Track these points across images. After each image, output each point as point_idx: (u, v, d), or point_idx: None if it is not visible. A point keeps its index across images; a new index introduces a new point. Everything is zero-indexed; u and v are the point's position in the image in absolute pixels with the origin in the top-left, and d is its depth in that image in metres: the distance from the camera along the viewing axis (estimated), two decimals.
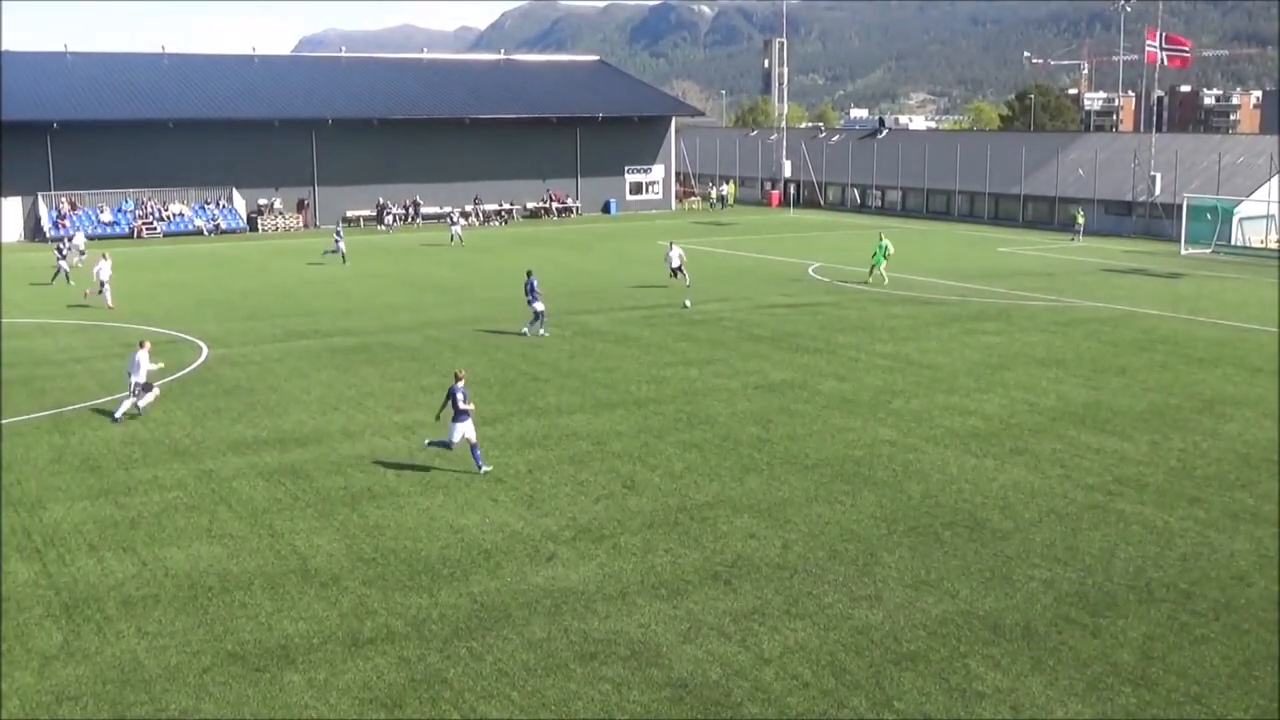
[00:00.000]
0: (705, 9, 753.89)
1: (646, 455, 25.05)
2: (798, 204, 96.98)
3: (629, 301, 46.14)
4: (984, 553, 19.42)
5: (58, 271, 52.58)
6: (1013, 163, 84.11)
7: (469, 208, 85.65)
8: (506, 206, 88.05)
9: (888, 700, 14.65)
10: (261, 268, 59.16)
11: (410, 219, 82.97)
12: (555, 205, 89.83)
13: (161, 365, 30.19)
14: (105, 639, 16.55)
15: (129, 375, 28.48)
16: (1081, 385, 31.21)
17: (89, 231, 74.47)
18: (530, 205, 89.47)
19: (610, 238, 74.66)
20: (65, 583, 18.54)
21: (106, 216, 76.35)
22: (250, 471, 24.26)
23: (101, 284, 46.17)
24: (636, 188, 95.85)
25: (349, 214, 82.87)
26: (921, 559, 19.18)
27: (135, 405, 28.49)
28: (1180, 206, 67.02)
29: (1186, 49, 76.54)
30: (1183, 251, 63.27)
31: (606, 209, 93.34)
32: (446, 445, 23.78)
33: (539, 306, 38.91)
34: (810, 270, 56.02)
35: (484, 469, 23.74)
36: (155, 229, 76.19)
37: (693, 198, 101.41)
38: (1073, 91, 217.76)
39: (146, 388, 28.53)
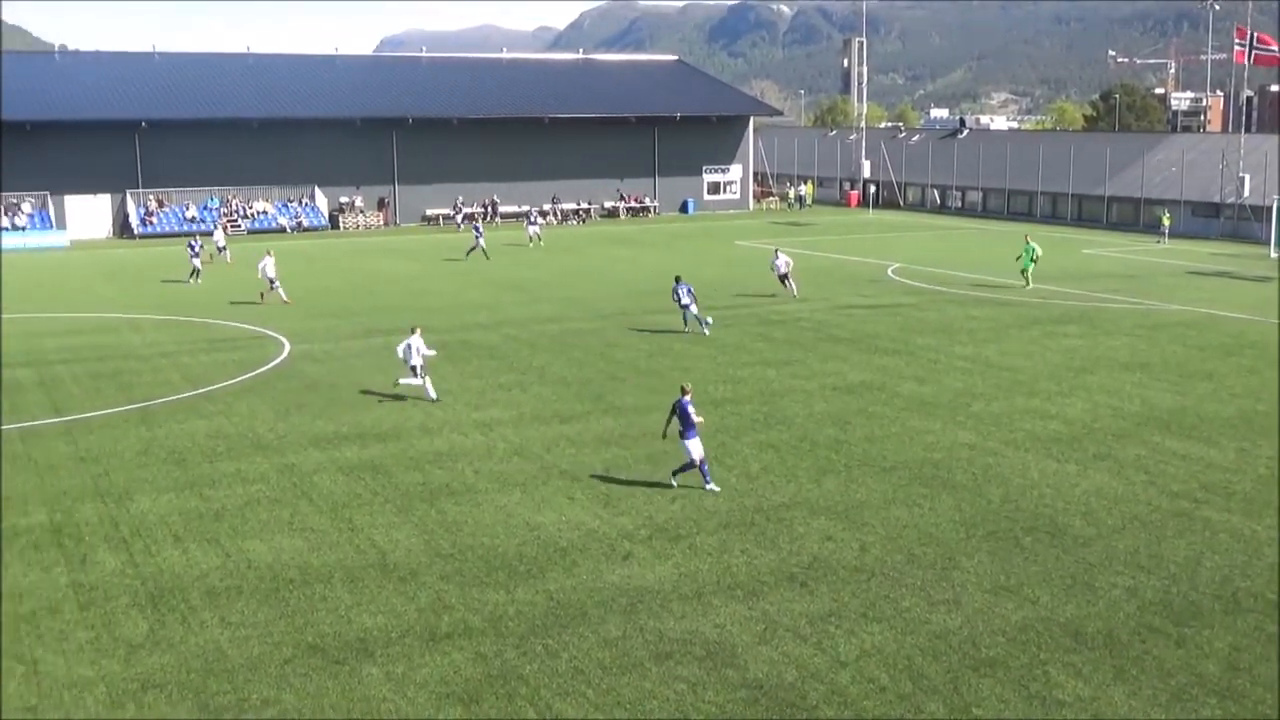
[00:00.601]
0: (784, 8, 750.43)
1: (723, 455, 25.00)
2: (876, 204, 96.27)
3: (706, 302, 46.02)
4: (1065, 559, 19.15)
5: (194, 271, 53.28)
6: (1097, 164, 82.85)
7: (547, 207, 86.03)
8: (584, 206, 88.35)
9: (965, 706, 14.49)
10: (342, 265, 59.87)
11: (489, 218, 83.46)
12: (626, 206, 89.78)
13: (434, 353, 31.24)
14: (189, 629, 16.83)
15: (405, 361, 29.85)
16: (1167, 390, 30.66)
17: (173, 228, 75.93)
18: (608, 205, 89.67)
19: (687, 237, 74.59)
20: (151, 573, 18.88)
21: (192, 213, 77.70)
22: (331, 466, 24.56)
23: (272, 281, 46.12)
24: (714, 187, 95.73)
25: (427, 212, 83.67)
26: (1001, 564, 18.96)
27: (416, 382, 29.86)
28: (1270, 209, 65.54)
29: (1276, 48, 74.82)
30: (1272, 254, 61.85)
31: (684, 209, 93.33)
32: (691, 465, 22.41)
33: (690, 307, 38.74)
34: (889, 271, 55.58)
35: (711, 487, 22.41)
36: (239, 226, 77.39)
37: (771, 198, 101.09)
38: (1159, 91, 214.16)
39: (415, 371, 29.90)
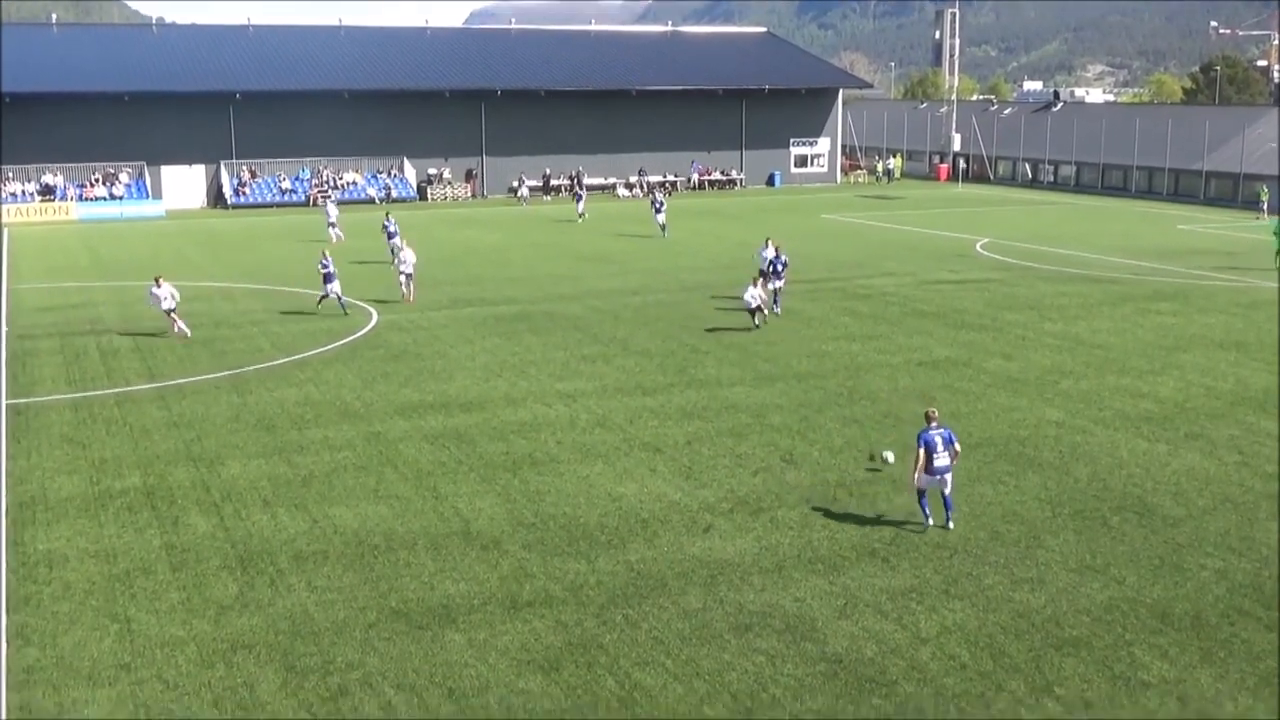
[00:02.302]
0: None
1: (806, 430, 24.91)
2: (966, 179, 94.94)
3: (793, 276, 45.78)
4: (1153, 539, 18.84)
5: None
6: (1195, 138, 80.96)
7: (633, 179, 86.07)
8: (671, 178, 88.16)
9: (1048, 685, 14.34)
10: (430, 235, 60.34)
11: (573, 189, 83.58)
12: (703, 179, 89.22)
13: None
14: (277, 591, 17.14)
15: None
16: (1262, 370, 29.96)
17: (268, 199, 77.03)
18: (696, 177, 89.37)
19: (774, 210, 74.17)
20: (241, 536, 19.25)
21: (285, 184, 78.80)
22: (416, 435, 24.82)
23: (407, 277, 40.86)
24: (801, 160, 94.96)
25: (515, 184, 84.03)
26: (1087, 543, 18.70)
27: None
28: None
29: None
30: None
31: (771, 182, 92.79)
32: (923, 505, 19.14)
33: (778, 284, 37.59)
34: (978, 246, 54.84)
35: (950, 524, 19.19)
36: (330, 196, 78.26)
37: (859, 171, 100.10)
38: (1262, 64, 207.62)
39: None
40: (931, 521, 19.05)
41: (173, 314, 34.49)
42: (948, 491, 19.06)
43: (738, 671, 14.74)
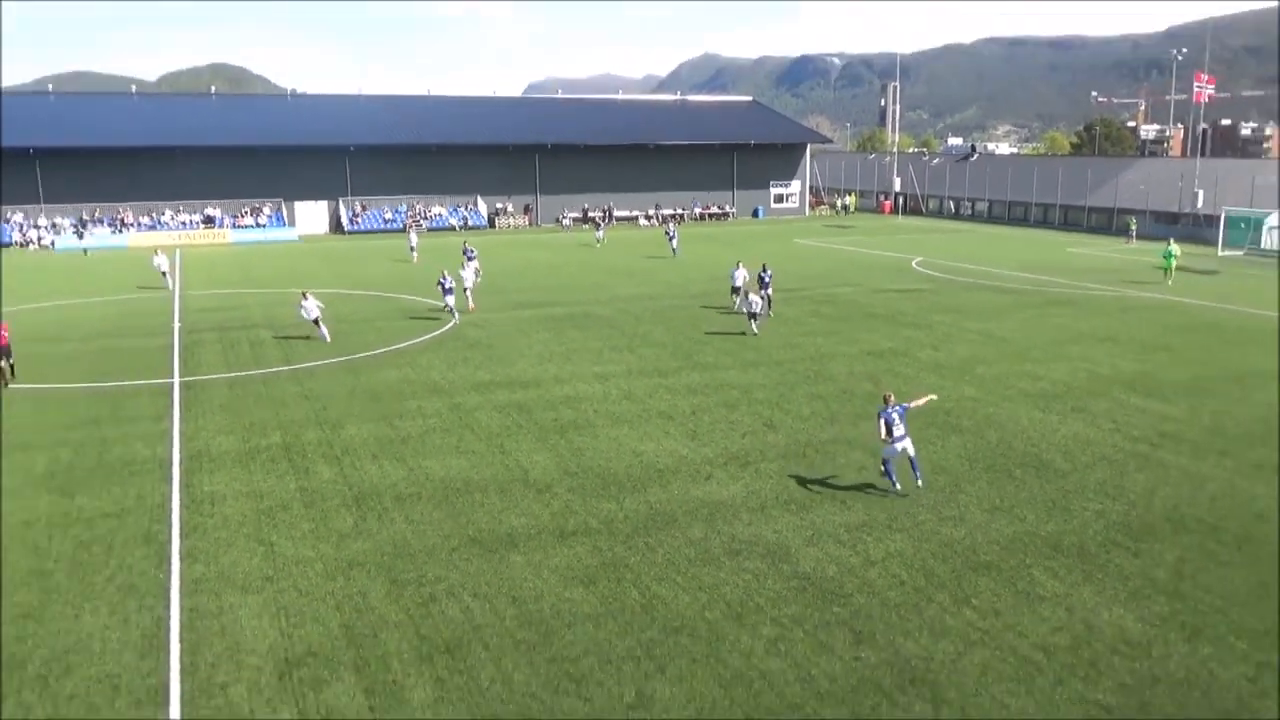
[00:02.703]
0: (835, 60, 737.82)
1: (782, 402, 24.87)
2: (905, 212, 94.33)
3: (773, 286, 45.65)
4: (1047, 488, 18.77)
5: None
6: (1080, 180, 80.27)
7: (650, 212, 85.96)
8: (680, 211, 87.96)
9: (966, 598, 14.33)
10: (497, 255, 60.40)
11: (607, 219, 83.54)
12: (703, 213, 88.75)
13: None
14: (383, 523, 17.23)
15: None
16: (1133, 359, 29.77)
17: (374, 227, 77.12)
18: (698, 211, 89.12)
19: (758, 237, 73.89)
20: (355, 481, 19.34)
21: (388, 215, 78.81)
22: (487, 405, 24.88)
23: (468, 291, 39.43)
24: (779, 198, 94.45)
25: (561, 216, 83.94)
26: (996, 490, 18.64)
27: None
28: (1219, 217, 63.10)
29: (1212, 85, 73.83)
30: (1220, 254, 59.57)
31: (755, 214, 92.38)
32: (888, 474, 18.31)
33: (769, 293, 36.66)
34: (914, 264, 54.55)
35: (919, 482, 18.37)
36: (421, 225, 78.37)
37: (822, 206, 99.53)
38: (1131, 124, 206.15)
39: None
40: (899, 487, 18.13)
41: (318, 323, 32.92)
42: (912, 454, 18.16)
43: (730, 586, 14.77)
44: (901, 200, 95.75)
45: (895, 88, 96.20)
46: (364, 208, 79.34)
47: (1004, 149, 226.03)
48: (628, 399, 25.31)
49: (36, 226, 70.28)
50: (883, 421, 17.98)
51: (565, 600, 14.34)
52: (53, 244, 68.06)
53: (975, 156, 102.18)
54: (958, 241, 67.94)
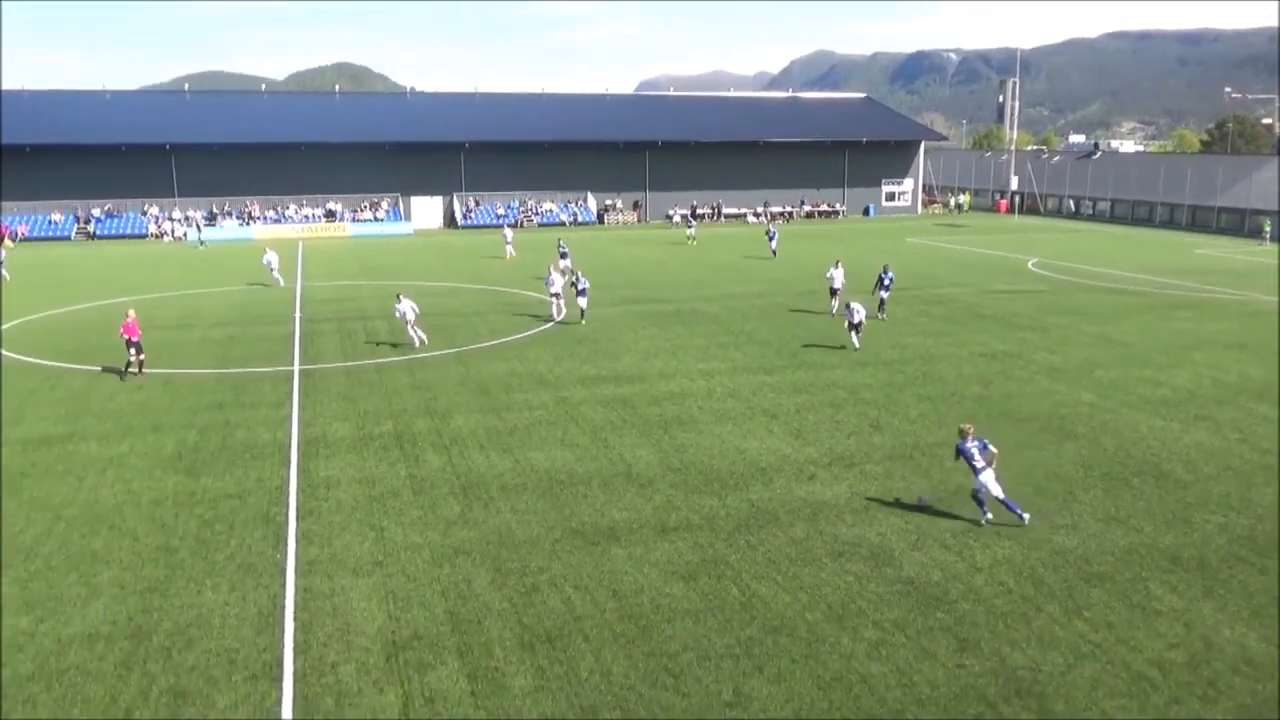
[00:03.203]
0: (952, 55, 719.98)
1: (889, 404, 24.43)
2: (1021, 211, 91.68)
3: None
4: (1167, 498, 18.01)
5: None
6: (1210, 180, 76.82)
7: (759, 209, 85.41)
8: (787, 209, 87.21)
9: (1078, 609, 13.85)
10: (605, 251, 60.78)
11: (715, 217, 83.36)
12: (812, 210, 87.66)
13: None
14: (489, 512, 17.50)
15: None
16: (1261, 367, 28.33)
17: (487, 221, 78.42)
18: (805, 208, 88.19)
19: (868, 235, 72.79)
20: (463, 470, 19.68)
21: (500, 210, 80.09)
22: (592, 399, 25.03)
23: (556, 296, 36.96)
24: (890, 196, 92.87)
25: (669, 212, 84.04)
26: (1113, 499, 17.97)
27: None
28: None
29: None
30: None
31: (866, 212, 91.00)
32: (979, 502, 16.88)
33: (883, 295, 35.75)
34: (1030, 264, 53.00)
35: (985, 518, 16.85)
36: (533, 220, 79.43)
37: (935, 204, 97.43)
38: (1267, 121, 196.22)
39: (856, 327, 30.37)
40: (990, 516, 16.71)
41: (412, 325, 31.12)
42: (999, 495, 16.45)
43: (832, 587, 14.57)
44: (1018, 199, 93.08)
45: (1015, 83, 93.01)
46: (477, 203, 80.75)
47: (1129, 146, 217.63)
48: (732, 396, 25.18)
49: (171, 219, 73.52)
50: (962, 457, 16.81)
51: (665, 595, 14.34)
52: (185, 235, 71.09)
53: (1098, 154, 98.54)
54: (1077, 242, 65.72)
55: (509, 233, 59.30)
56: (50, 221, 71.78)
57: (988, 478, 16.55)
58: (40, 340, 32.97)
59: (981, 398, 24.94)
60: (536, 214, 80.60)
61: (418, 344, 30.83)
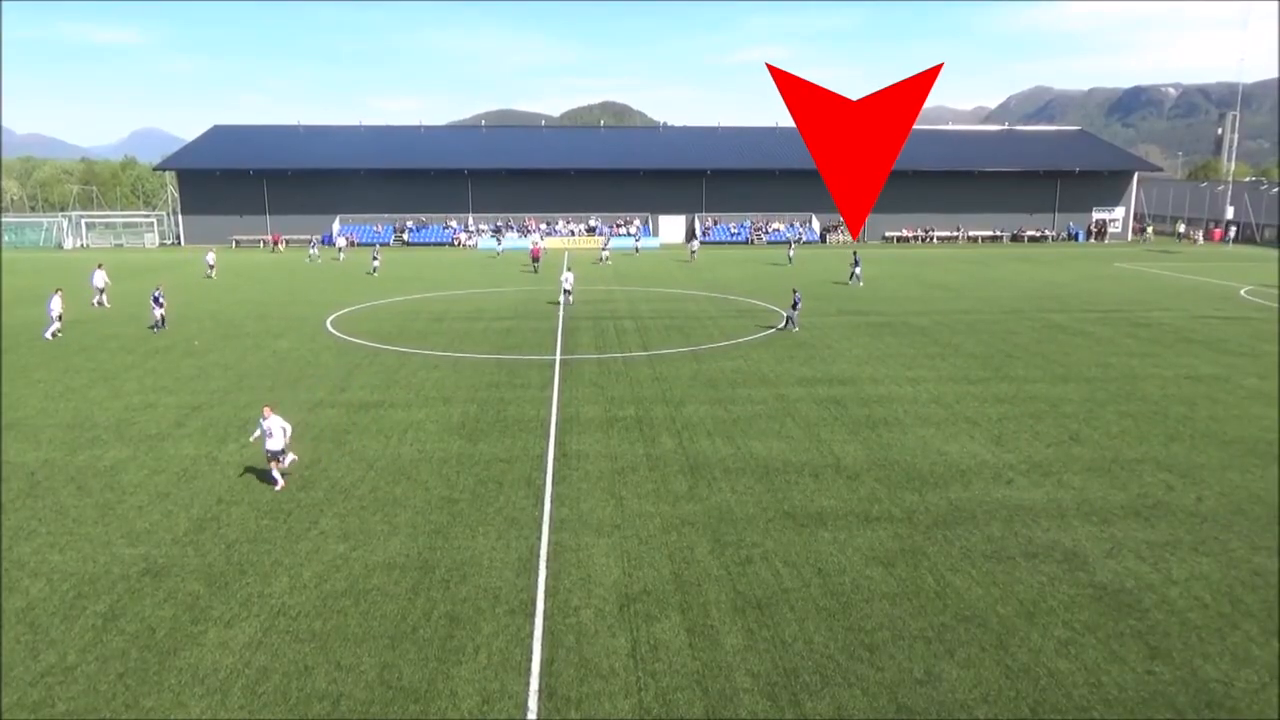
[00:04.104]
0: (1171, 90, 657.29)
1: (1090, 418, 22.68)
2: (1237, 240, 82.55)
3: (1087, 306, 41.77)
4: None
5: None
6: None
7: (971, 232, 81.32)
8: (997, 233, 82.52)
9: (1276, 630, 12.37)
10: (828, 266, 59.68)
11: (927, 239, 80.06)
12: (1022, 234, 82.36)
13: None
14: (712, 491, 17.60)
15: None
16: None
17: (723, 239, 78.62)
18: (1015, 232, 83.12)
19: (1077, 259, 67.76)
20: (692, 453, 19.89)
21: (733, 229, 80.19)
22: (808, 398, 24.68)
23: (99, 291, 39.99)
24: (1100, 223, 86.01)
25: (886, 234, 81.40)
26: None
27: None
28: None
29: None
30: None
31: (1075, 238, 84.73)
32: None
33: None
34: (1242, 292, 47.70)
35: None
36: (763, 238, 78.98)
37: (1145, 232, 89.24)
38: None
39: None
40: None
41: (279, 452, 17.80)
42: None
43: (1024, 585, 13.72)
44: (1234, 230, 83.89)
45: (1235, 116, 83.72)
46: (715, 221, 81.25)
47: None
48: (936, 403, 24.16)
49: (467, 230, 78.47)
50: None
51: (865, 577, 13.96)
52: (476, 244, 75.63)
53: None
54: None
55: (695, 244, 61.46)
56: (373, 231, 78.25)
57: None
58: (362, 325, 36.02)
59: (1186, 418, 22.72)
60: (766, 232, 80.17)
61: (280, 484, 17.72)
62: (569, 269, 41.54)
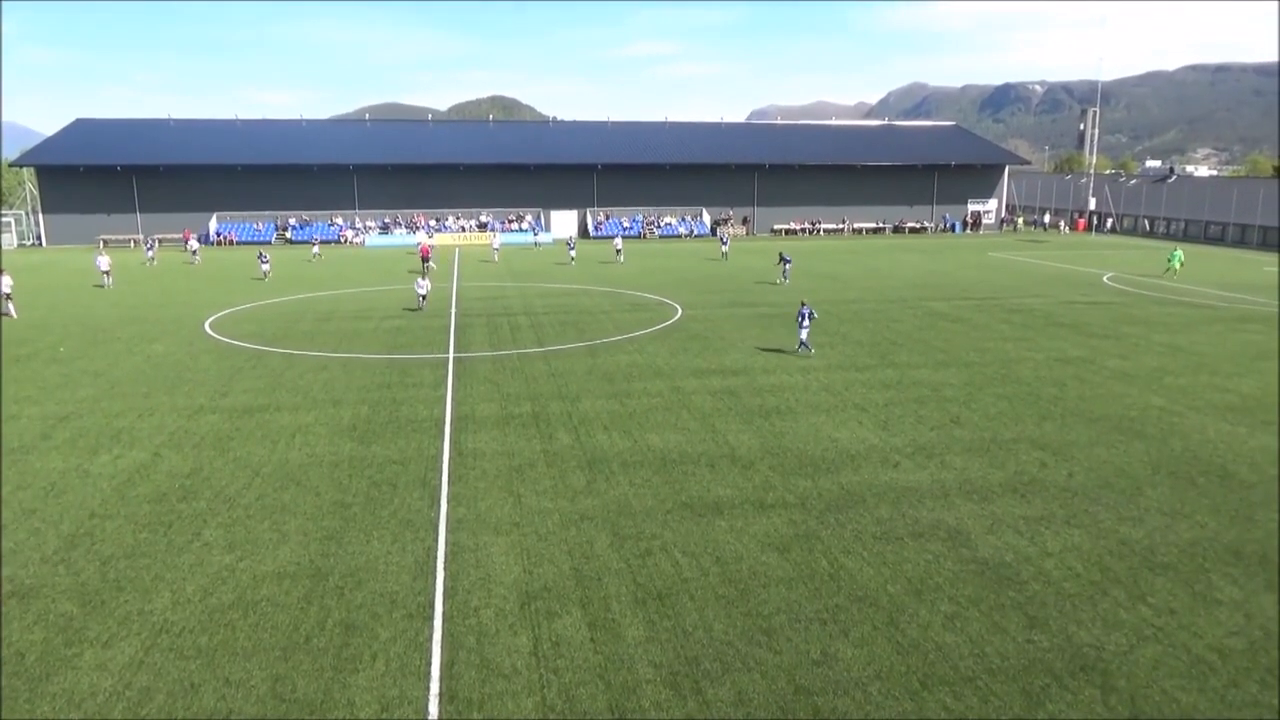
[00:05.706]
0: (1037, 87, 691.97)
1: (969, 401, 23.69)
2: (1099, 230, 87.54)
3: (964, 294, 43.57)
4: (1231, 497, 16.99)
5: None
6: None
7: (843, 222, 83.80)
8: (879, 225, 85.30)
9: (1142, 595, 13.20)
10: (716, 259, 60.49)
11: (814, 231, 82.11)
12: (902, 226, 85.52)
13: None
14: (610, 485, 17.64)
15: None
16: None
17: (614, 232, 78.89)
18: (895, 223, 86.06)
19: (954, 248, 70.60)
20: (589, 448, 19.89)
21: (626, 223, 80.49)
22: (702, 389, 24.98)
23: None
24: (975, 215, 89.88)
25: (775, 227, 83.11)
26: (1178, 496, 17.05)
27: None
28: None
29: None
30: None
31: (952, 229, 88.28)
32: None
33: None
34: (1105, 278, 50.60)
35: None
36: (655, 232, 79.58)
37: (1016, 223, 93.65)
38: None
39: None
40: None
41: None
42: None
43: (912, 564, 14.23)
44: (1095, 219, 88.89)
45: (1095, 112, 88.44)
46: (606, 216, 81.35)
47: (1203, 172, 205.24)
48: (826, 390, 24.81)
49: (353, 228, 76.34)
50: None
51: (762, 564, 14.24)
52: (363, 241, 73.67)
53: (1173, 178, 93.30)
54: (1150, 258, 62.45)
55: (619, 241, 60.77)
56: (254, 229, 75.37)
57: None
58: (244, 327, 34.68)
59: (1056, 398, 23.97)
60: (658, 226, 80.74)
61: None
62: (425, 278, 40.57)
